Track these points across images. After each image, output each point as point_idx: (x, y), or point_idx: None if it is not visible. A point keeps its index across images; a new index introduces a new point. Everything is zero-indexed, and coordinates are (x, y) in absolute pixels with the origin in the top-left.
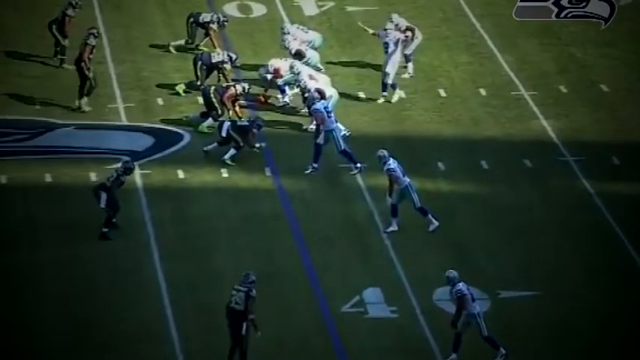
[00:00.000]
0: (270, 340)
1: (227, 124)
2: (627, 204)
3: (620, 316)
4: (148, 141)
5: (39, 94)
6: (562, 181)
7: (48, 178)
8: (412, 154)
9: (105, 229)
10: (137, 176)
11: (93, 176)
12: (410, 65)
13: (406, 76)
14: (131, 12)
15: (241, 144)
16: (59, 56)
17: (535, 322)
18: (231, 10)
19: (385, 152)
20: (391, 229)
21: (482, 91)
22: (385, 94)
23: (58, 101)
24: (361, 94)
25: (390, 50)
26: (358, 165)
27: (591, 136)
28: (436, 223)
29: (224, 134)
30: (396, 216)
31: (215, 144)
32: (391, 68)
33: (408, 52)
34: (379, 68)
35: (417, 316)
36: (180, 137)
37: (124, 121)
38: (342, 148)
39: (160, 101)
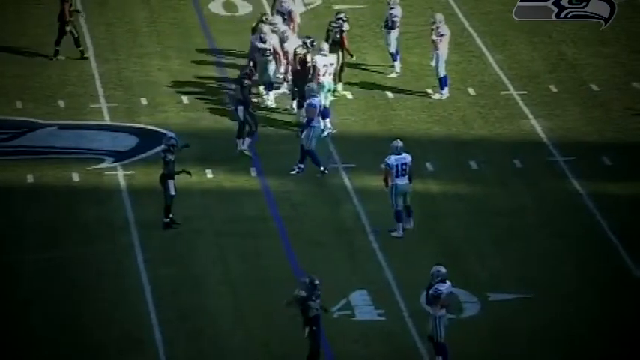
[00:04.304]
0: (256, 343)
1: (241, 107)
2: (618, 204)
3: (612, 317)
4: (131, 141)
5: (21, 93)
6: (552, 182)
7: (30, 179)
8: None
9: (167, 219)
10: (120, 177)
11: (75, 177)
12: (397, 64)
13: (394, 75)
14: (114, 10)
15: (253, 129)
16: (79, 48)
17: (526, 324)
18: (216, 8)
19: (398, 144)
20: (395, 233)
21: (472, 91)
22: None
23: (40, 101)
24: (348, 94)
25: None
26: (322, 169)
27: (582, 136)
28: (401, 233)
29: (242, 118)
30: (400, 221)
31: (242, 140)
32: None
33: (392, 49)
34: (367, 67)
35: (405, 319)
36: (164, 137)
37: (108, 121)
38: (312, 148)
39: (143, 101)
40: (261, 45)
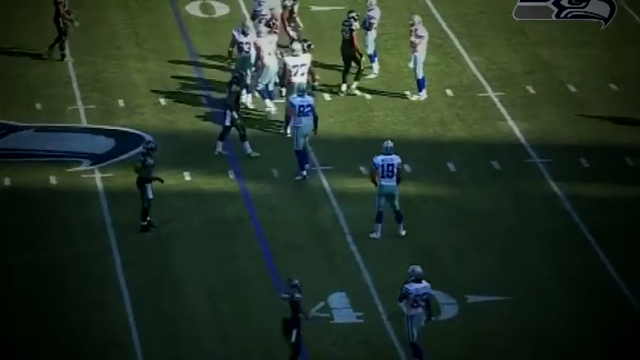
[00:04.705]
0: (234, 346)
1: (229, 111)
2: (597, 206)
3: (591, 319)
4: (109, 144)
5: None
6: (530, 183)
7: (7, 181)
8: None
9: (144, 222)
10: (98, 180)
11: (53, 179)
12: (375, 65)
13: (372, 76)
14: (92, 12)
15: (243, 131)
16: (62, 51)
17: (504, 327)
18: (193, 9)
19: (388, 144)
20: (373, 235)
21: (449, 92)
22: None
23: (17, 103)
24: (326, 95)
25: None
26: (304, 173)
27: (560, 138)
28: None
29: (228, 122)
30: (379, 222)
31: (221, 143)
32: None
33: (370, 51)
34: (342, 69)
35: (384, 322)
36: (141, 140)
37: (85, 124)
38: (299, 148)
39: (121, 103)
40: (241, 38)
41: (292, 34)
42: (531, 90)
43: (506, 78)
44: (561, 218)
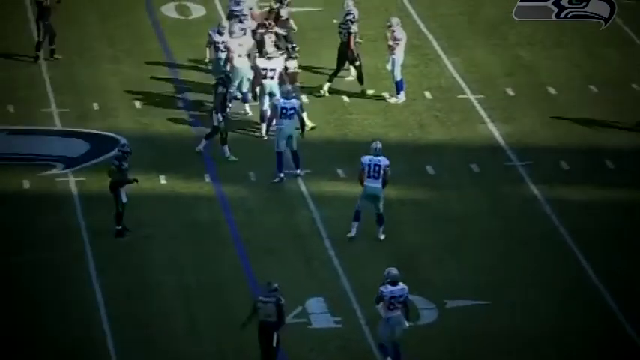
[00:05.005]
0: (211, 351)
1: (215, 113)
2: (576, 210)
3: (571, 324)
4: (83, 147)
5: None
6: (510, 187)
7: None
8: (356, 160)
9: (119, 227)
10: (72, 183)
11: (26, 183)
12: (352, 67)
13: (350, 78)
14: (65, 13)
15: (224, 135)
16: (37, 51)
17: (484, 331)
18: (169, 10)
19: (377, 145)
20: (349, 233)
21: (428, 94)
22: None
23: None
24: (304, 97)
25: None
26: (282, 176)
27: (539, 141)
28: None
29: (215, 123)
30: (357, 220)
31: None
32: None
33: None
34: (323, 70)
35: (362, 327)
36: (116, 143)
37: (59, 127)
38: (279, 149)
39: (95, 106)
40: (217, 38)
41: (278, 34)
42: (510, 92)
43: (486, 80)
44: (541, 221)
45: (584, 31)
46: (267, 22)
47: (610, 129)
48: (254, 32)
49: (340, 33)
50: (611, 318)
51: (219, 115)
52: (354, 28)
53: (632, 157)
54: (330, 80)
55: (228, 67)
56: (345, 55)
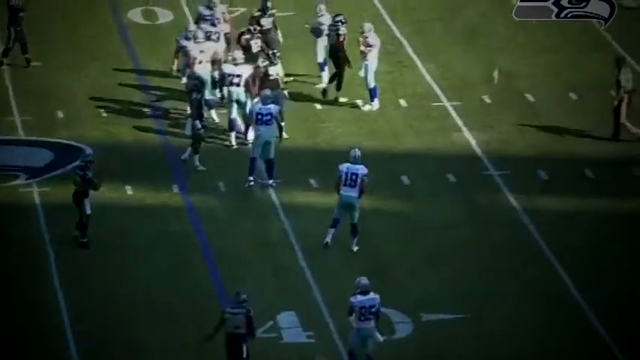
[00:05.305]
0: None
1: (190, 121)
2: (555, 220)
3: (550, 336)
4: (47, 156)
5: None
6: (487, 196)
7: None
8: (328, 169)
9: (84, 239)
10: (35, 194)
11: None
12: (324, 74)
13: (322, 85)
14: (30, 19)
15: (198, 144)
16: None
17: (461, 345)
18: (135, 16)
19: (356, 153)
20: (324, 240)
21: (403, 102)
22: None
23: None
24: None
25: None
26: (251, 179)
27: (517, 149)
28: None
29: (188, 132)
30: (333, 227)
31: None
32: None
33: (320, 59)
34: (294, 77)
35: (335, 341)
36: (81, 152)
37: (22, 136)
38: (253, 155)
39: (60, 114)
40: (184, 43)
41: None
42: (487, 99)
43: (462, 87)
44: (519, 232)
45: (565, 37)
46: (252, 28)
47: (589, 137)
48: (227, 37)
49: (328, 36)
50: (591, 329)
51: (198, 122)
52: (342, 29)
53: (612, 167)
54: (338, 89)
55: (187, 73)
56: (339, 57)
